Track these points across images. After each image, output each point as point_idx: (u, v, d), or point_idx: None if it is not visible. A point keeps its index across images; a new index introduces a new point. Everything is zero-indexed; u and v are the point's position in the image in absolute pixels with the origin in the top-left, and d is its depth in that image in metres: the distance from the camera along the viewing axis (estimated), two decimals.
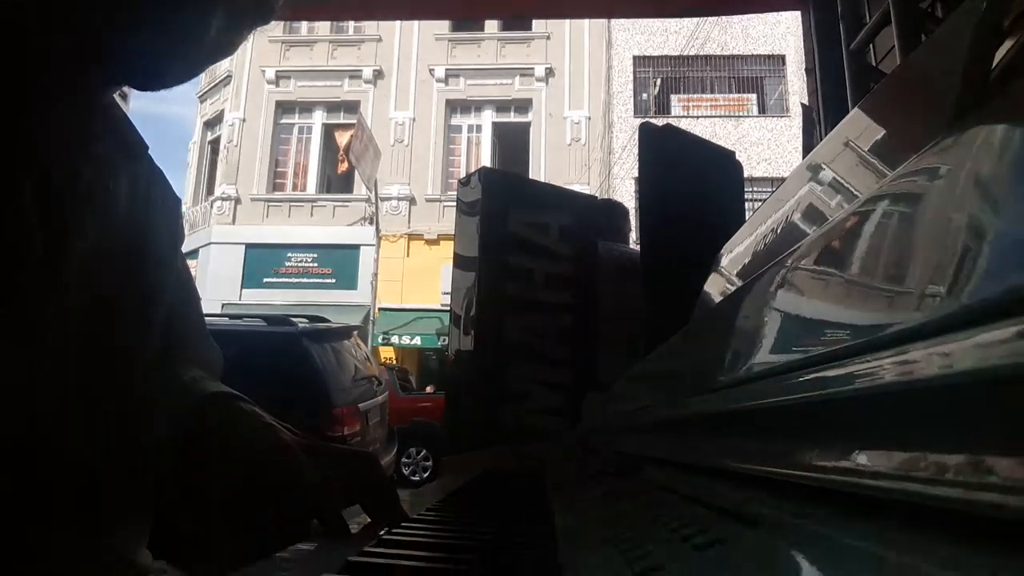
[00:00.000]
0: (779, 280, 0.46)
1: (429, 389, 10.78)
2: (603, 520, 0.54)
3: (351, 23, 15.94)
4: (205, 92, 16.86)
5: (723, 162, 2.18)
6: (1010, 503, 0.18)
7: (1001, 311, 0.19)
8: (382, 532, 0.57)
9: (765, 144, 13.72)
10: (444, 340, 12.44)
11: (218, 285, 13.45)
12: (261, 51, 15.76)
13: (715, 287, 0.95)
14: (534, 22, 15.35)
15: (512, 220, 2.21)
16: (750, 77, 14.93)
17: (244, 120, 15.69)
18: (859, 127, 0.68)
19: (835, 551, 0.26)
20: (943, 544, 0.20)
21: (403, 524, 0.62)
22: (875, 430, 0.28)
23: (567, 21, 14.53)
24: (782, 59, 14.56)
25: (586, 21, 14.66)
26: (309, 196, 15.40)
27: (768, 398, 0.39)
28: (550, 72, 15.37)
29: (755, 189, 11.00)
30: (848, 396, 0.29)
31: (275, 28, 15.92)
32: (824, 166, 0.76)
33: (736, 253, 0.93)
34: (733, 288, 0.77)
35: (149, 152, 0.74)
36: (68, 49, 0.61)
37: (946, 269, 0.23)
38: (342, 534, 0.58)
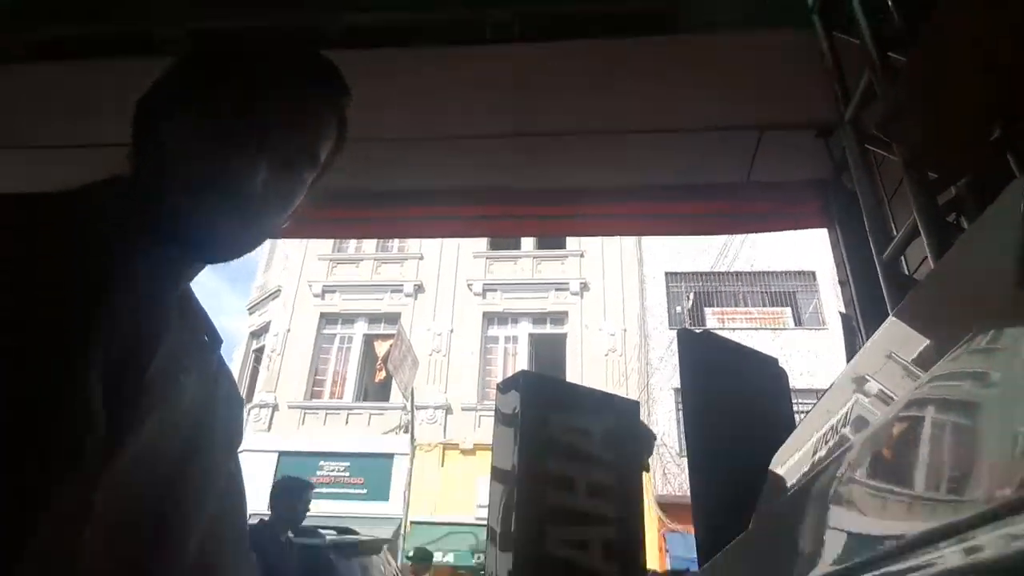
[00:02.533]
0: (836, 487, 0.47)
1: None
2: None
3: (396, 242, 17.04)
4: (255, 304, 17.75)
5: (765, 367, 2.19)
6: None
7: None
8: None
9: (803, 356, 13.67)
10: (479, 557, 11.71)
11: (248, 493, 13.07)
12: (310, 268, 16.77)
13: (771, 494, 0.92)
14: (568, 241, 16.22)
15: (552, 425, 2.18)
16: (782, 292, 15.24)
17: (289, 331, 16.28)
18: (895, 333, 0.71)
19: None
20: None
21: None
22: None
23: (600, 240, 15.33)
24: (812, 275, 14.94)
25: (617, 240, 15.46)
26: (346, 404, 15.46)
27: None
28: (584, 287, 15.94)
29: (799, 401, 10.79)
30: None
31: (325, 247, 17.11)
32: (866, 374, 0.77)
33: (789, 461, 0.92)
34: (789, 495, 0.76)
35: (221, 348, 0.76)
36: (134, 224, 0.65)
37: (980, 468, 0.25)
38: None
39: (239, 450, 0.82)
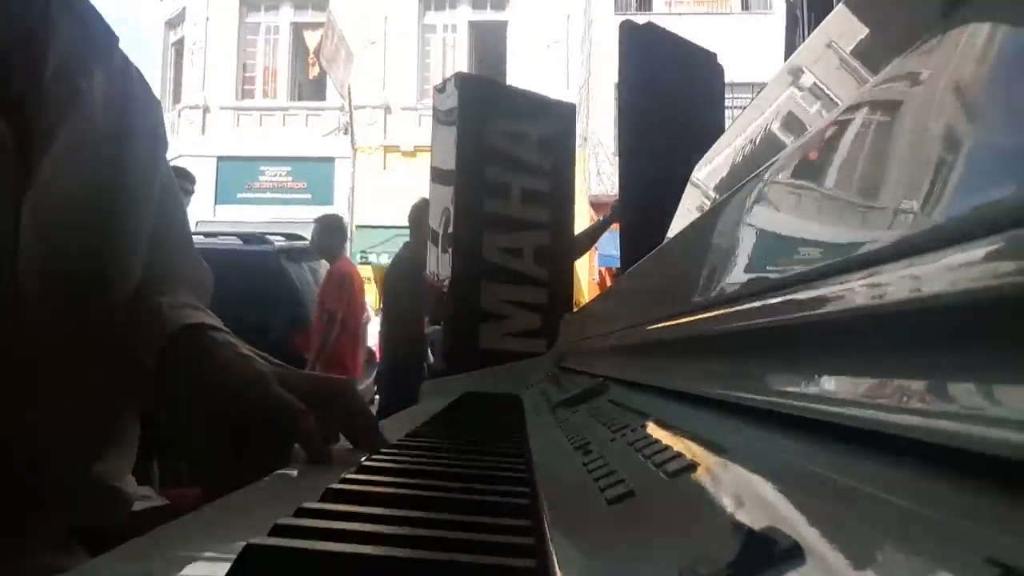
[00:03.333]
0: (758, 195, 0.44)
1: None
2: (577, 445, 0.54)
3: None
4: None
5: (705, 65, 2.11)
6: (979, 432, 0.17)
7: (992, 223, 0.17)
8: (363, 459, 0.57)
9: (746, 44, 13.37)
10: None
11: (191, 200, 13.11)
12: None
13: (692, 202, 0.93)
14: None
15: (489, 130, 2.13)
16: None
17: (208, 19, 14.97)
18: (843, 25, 0.65)
19: (806, 481, 0.26)
20: (913, 471, 0.19)
21: (384, 450, 0.61)
22: (854, 355, 0.27)
23: None
24: None
25: None
26: (281, 104, 14.91)
27: (743, 321, 0.38)
28: None
29: (735, 96, 10.77)
30: (827, 319, 0.28)
31: None
32: (806, 70, 0.72)
33: (714, 166, 0.91)
34: (710, 203, 0.75)
35: (120, 47, 0.67)
36: None
37: (933, 180, 0.21)
38: (323, 461, 0.58)
39: (174, 157, 0.77)
